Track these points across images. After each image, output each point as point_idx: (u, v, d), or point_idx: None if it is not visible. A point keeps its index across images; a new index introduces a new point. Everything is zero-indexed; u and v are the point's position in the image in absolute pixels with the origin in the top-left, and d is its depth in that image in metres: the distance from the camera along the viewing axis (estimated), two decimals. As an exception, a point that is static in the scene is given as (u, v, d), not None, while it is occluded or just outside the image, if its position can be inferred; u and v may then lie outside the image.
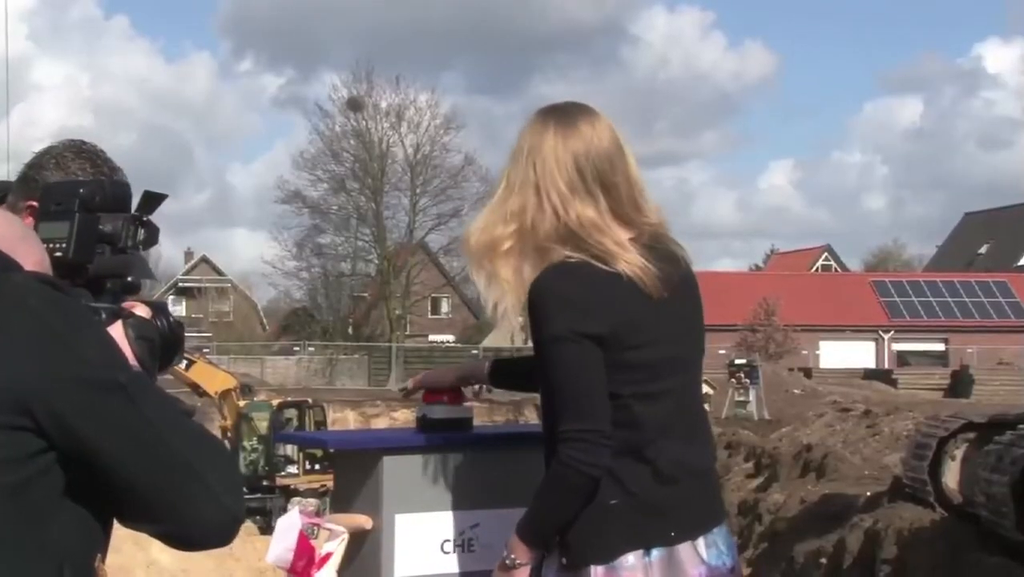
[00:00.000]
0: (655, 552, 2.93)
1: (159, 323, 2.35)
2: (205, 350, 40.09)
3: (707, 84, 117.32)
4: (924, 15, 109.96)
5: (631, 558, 2.91)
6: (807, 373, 41.19)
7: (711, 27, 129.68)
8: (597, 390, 2.90)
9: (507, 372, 3.60)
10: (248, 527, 17.35)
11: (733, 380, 28.57)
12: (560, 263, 2.94)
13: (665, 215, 3.15)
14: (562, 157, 3.01)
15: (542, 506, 2.97)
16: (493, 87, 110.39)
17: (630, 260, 2.93)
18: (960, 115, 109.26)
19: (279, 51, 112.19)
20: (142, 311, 2.31)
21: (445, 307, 70.90)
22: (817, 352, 52.74)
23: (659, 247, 3.04)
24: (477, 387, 3.65)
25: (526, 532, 2.97)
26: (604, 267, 2.92)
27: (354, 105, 59.86)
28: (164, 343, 2.40)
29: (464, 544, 3.40)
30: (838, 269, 70.80)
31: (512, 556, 2.98)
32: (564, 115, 3.09)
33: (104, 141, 2.73)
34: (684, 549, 2.95)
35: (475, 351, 54.65)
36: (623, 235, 2.99)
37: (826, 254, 72.43)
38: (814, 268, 69.45)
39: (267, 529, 17.53)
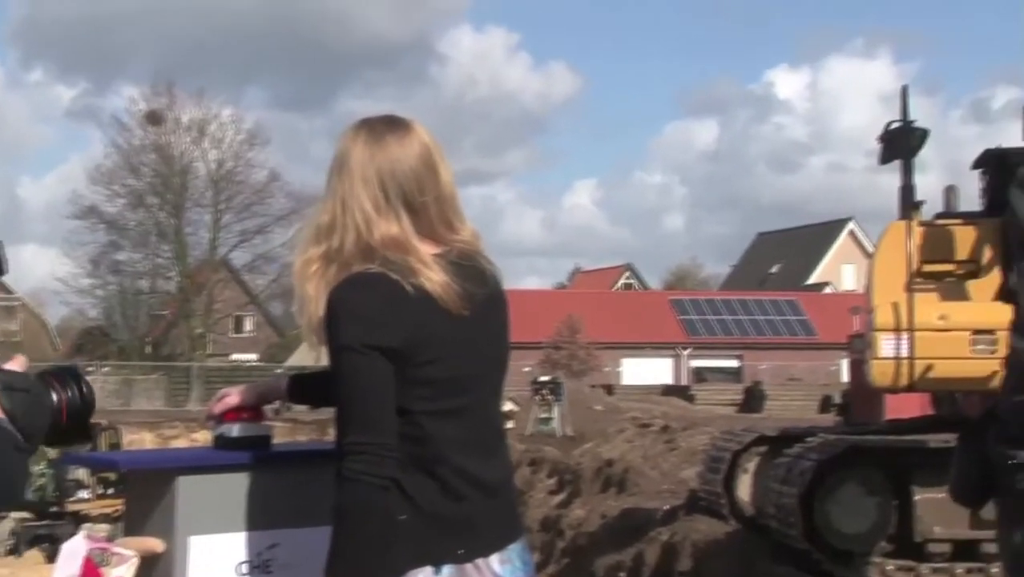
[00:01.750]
0: (445, 569, 2.90)
1: (68, 391, 2.34)
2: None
3: (514, 103, 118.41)
4: (720, 41, 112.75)
5: (419, 576, 2.88)
6: (609, 390, 41.60)
7: (517, 47, 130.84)
8: (383, 403, 2.86)
9: (305, 388, 3.49)
10: (34, 555, 16.82)
11: (537, 397, 28.69)
12: (356, 274, 2.90)
13: (478, 233, 3.13)
14: (367, 173, 2.98)
15: (339, 531, 2.90)
16: (299, 102, 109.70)
17: (431, 276, 2.90)
18: (753, 138, 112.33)
19: (72, 61, 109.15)
20: (16, 364, 2.26)
21: (249, 325, 69.89)
22: (619, 369, 53.45)
23: (467, 264, 3.01)
24: (277, 405, 3.58)
25: (336, 567, 2.89)
26: (401, 281, 2.88)
27: (153, 119, 58.76)
28: (72, 410, 2.38)
29: (262, 565, 3.32)
30: (639, 287, 71.86)
31: None
32: (374, 129, 3.05)
33: None
34: (476, 566, 2.93)
35: (279, 370, 54.08)
36: (428, 252, 2.96)
37: (628, 273, 73.53)
38: (616, 286, 70.42)
39: (55, 557, 17.00)
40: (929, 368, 9.59)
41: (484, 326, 3.03)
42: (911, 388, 10.04)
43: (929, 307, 9.52)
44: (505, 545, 2.99)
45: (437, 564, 2.89)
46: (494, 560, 2.95)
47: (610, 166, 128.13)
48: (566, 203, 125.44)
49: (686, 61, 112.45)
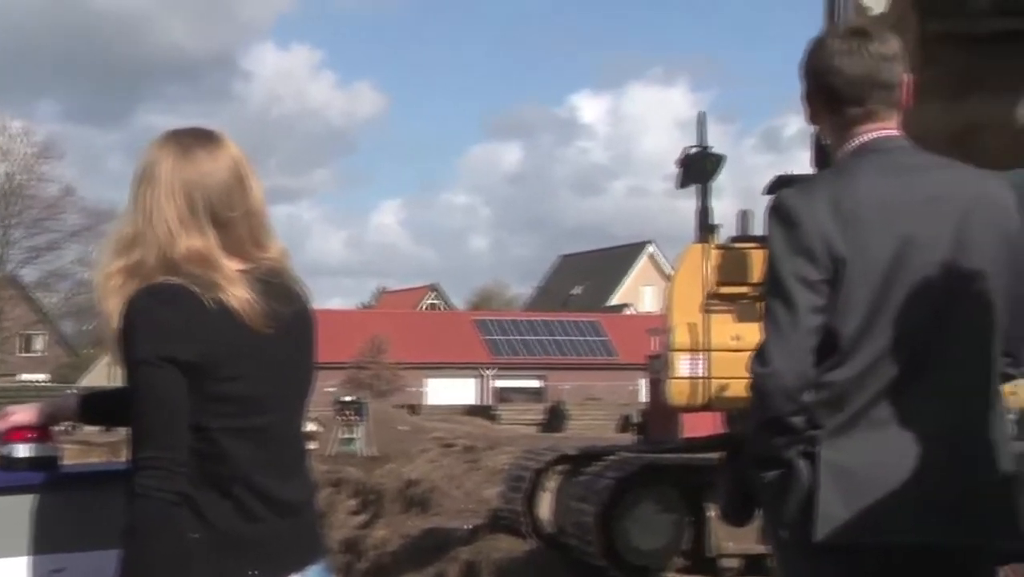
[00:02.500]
0: None
1: None
2: None
3: (319, 121, 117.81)
4: (525, 64, 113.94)
5: None
6: (413, 410, 41.59)
7: (321, 65, 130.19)
8: (175, 418, 2.79)
9: (97, 407, 3.37)
10: None
11: (340, 417, 28.58)
12: (154, 284, 2.82)
13: (286, 251, 3.08)
14: (174, 186, 2.91)
15: (130, 549, 2.80)
16: (95, 116, 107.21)
17: (234, 292, 2.84)
18: (557, 161, 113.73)
19: None
20: None
21: (39, 344, 67.77)
22: (423, 389, 53.42)
23: (274, 282, 2.96)
24: (67, 425, 3.45)
25: None
26: (202, 294, 2.81)
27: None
28: None
29: (48, 588, 3.24)
30: (444, 308, 72.00)
31: None
32: (183, 142, 2.98)
33: None
34: None
35: (71, 390, 52.72)
36: (234, 268, 2.91)
37: (433, 293, 73.58)
38: (421, 307, 70.40)
39: None
40: (724, 387, 9.80)
41: (288, 345, 2.98)
42: (707, 407, 10.25)
43: (724, 328, 9.73)
44: (304, 567, 2.96)
45: None
46: None
47: (416, 186, 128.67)
48: (372, 223, 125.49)
49: (491, 84, 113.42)
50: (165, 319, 2.82)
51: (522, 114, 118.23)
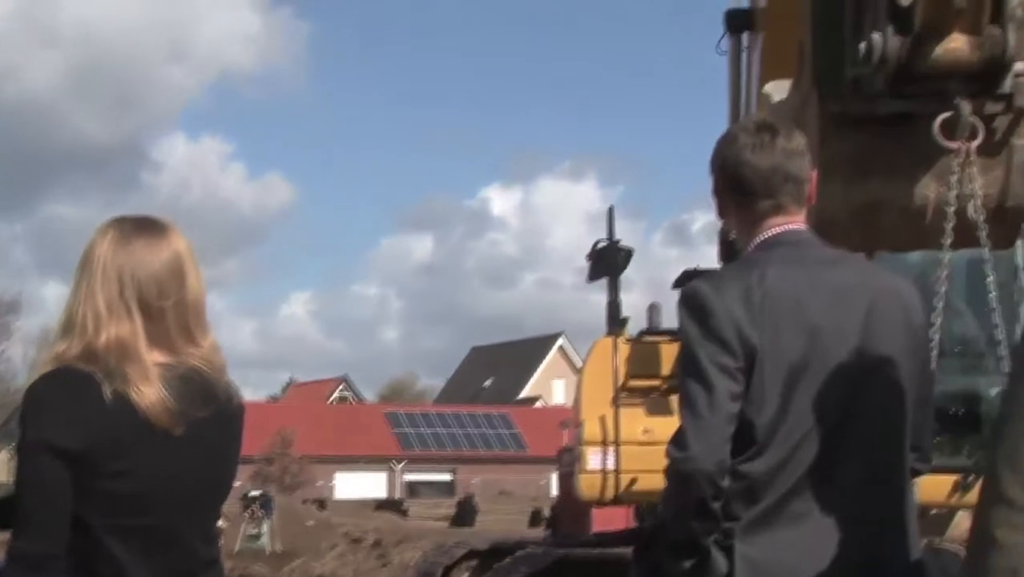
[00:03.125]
0: None
1: None
2: None
3: (228, 213, 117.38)
4: (436, 157, 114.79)
5: None
6: (322, 504, 41.20)
7: (232, 157, 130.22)
8: (52, 509, 2.73)
9: None
10: None
11: (246, 513, 28.31)
12: (60, 368, 2.79)
13: (218, 346, 3.04)
14: (108, 272, 2.87)
15: None
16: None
17: (141, 388, 2.79)
18: (468, 253, 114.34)
19: None
20: None
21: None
22: (332, 483, 53.00)
23: (196, 380, 2.90)
24: None
25: None
26: (104, 385, 2.76)
27: None
28: None
29: None
30: (354, 400, 71.65)
31: None
32: (124, 229, 2.94)
33: None
34: None
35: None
36: (157, 360, 2.86)
37: (343, 385, 73.23)
38: (331, 399, 70.01)
39: None
40: (634, 481, 9.80)
41: (198, 447, 2.91)
42: (617, 501, 10.23)
43: (634, 421, 9.74)
44: None
45: None
46: None
47: (326, 278, 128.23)
48: (281, 314, 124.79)
49: (403, 176, 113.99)
50: (58, 405, 2.77)
51: (433, 206, 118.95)
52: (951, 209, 5.14)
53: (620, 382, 10.11)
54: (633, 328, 10.70)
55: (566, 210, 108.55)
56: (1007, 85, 5.30)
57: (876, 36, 5.25)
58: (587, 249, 10.71)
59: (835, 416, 3.15)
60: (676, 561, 3.24)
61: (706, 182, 3.49)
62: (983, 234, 5.22)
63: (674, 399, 9.67)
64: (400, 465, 56.25)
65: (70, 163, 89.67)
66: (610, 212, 10.89)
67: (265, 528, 27.95)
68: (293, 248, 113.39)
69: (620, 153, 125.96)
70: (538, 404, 63.07)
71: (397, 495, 51.77)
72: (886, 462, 3.24)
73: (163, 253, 2.94)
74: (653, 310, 10.83)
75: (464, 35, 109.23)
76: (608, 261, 10.51)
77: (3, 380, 60.53)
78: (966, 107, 5.14)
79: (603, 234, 10.83)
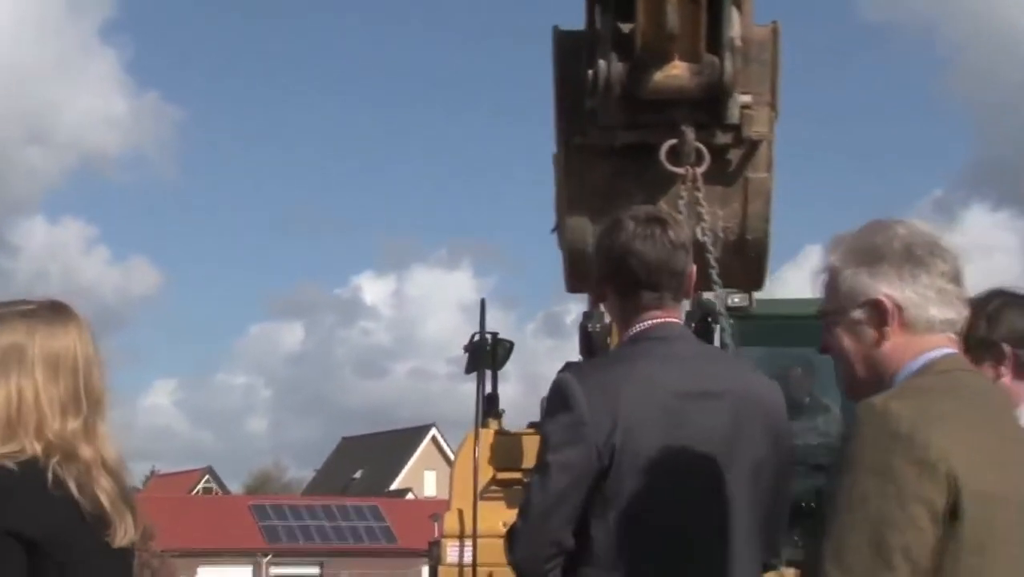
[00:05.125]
0: None
1: None
2: None
3: (90, 297, 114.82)
4: (307, 244, 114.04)
5: None
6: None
7: (95, 241, 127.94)
8: None
9: None
10: None
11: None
12: (3, 463, 2.78)
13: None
14: (47, 367, 2.87)
15: None
16: None
17: (101, 484, 2.86)
18: (339, 342, 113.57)
19: None
20: None
21: None
22: (194, 581, 52.03)
23: (110, 465, 2.97)
24: None
25: None
26: (53, 485, 2.77)
27: None
28: None
29: None
30: (219, 491, 70.45)
31: None
32: (40, 317, 2.96)
33: None
34: None
35: None
36: (91, 450, 2.90)
37: (208, 476, 71.96)
38: (195, 490, 68.75)
39: None
40: (490, 575, 9.87)
41: (113, 533, 2.96)
42: None
43: (495, 514, 9.75)
44: None
45: None
46: None
47: (191, 366, 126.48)
48: (144, 403, 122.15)
49: (272, 263, 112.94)
50: (15, 493, 2.77)
51: (304, 294, 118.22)
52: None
53: (491, 475, 10.18)
54: (508, 420, 10.76)
55: (440, 299, 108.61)
56: (732, 115, 5.51)
57: (602, 63, 5.44)
58: (461, 339, 10.73)
59: (692, 518, 3.18)
60: None
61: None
62: (712, 257, 5.39)
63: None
64: (266, 559, 55.35)
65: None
66: (482, 304, 10.90)
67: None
68: (157, 335, 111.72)
69: (495, 239, 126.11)
70: (409, 496, 62.60)
71: (263, 588, 51.02)
72: (741, 564, 3.25)
73: (88, 336, 3.01)
74: (543, 403, 10.86)
75: (340, 122, 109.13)
76: (488, 354, 10.56)
77: None
78: (690, 133, 5.33)
79: (476, 325, 10.91)
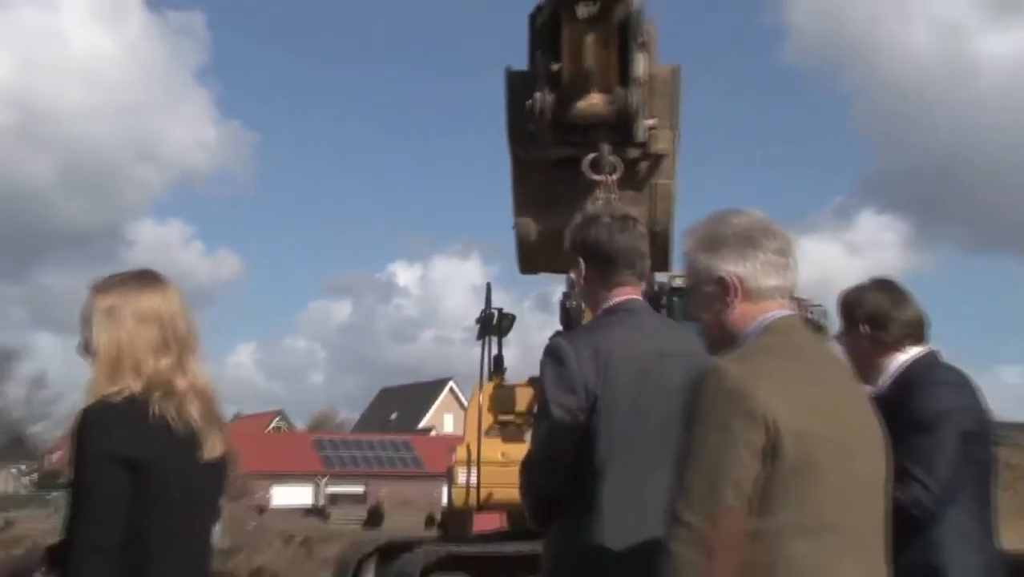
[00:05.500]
0: None
1: None
2: None
3: (188, 281, 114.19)
4: (354, 237, 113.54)
5: None
6: (261, 510, 40.32)
7: (192, 237, 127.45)
8: (117, 512, 2.67)
9: (59, 553, 2.97)
10: None
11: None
12: (105, 401, 2.74)
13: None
14: (144, 318, 2.82)
15: None
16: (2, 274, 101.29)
17: (178, 411, 2.79)
18: (378, 315, 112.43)
19: None
20: None
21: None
22: (269, 495, 51.86)
23: (204, 401, 2.90)
24: (40, 572, 3.02)
25: None
26: (142, 413, 2.73)
27: None
28: None
29: None
30: (287, 429, 70.27)
31: None
32: (141, 281, 2.92)
33: None
34: None
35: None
36: (182, 385, 2.84)
37: (279, 417, 71.72)
38: (269, 428, 68.50)
39: None
40: (491, 494, 9.89)
41: (204, 456, 2.90)
42: (481, 509, 10.30)
43: (495, 448, 9.77)
44: None
45: None
46: None
47: (265, 333, 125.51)
48: (230, 361, 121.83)
49: (326, 253, 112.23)
50: (117, 423, 2.72)
51: (351, 278, 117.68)
52: None
53: (492, 418, 10.20)
54: (510, 376, 10.74)
55: (455, 282, 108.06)
56: (640, 135, 5.47)
57: (538, 95, 5.40)
58: (473, 313, 10.74)
59: (651, 445, 3.13)
60: (539, 513, 3.32)
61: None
62: None
63: (527, 429, 9.81)
64: (324, 480, 55.34)
65: (58, 240, 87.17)
66: (488, 287, 10.88)
67: (216, 528, 27.44)
68: (240, 309, 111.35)
69: (496, 238, 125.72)
70: (432, 433, 62.54)
71: (321, 504, 50.95)
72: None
73: (174, 296, 2.94)
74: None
75: (378, 145, 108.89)
76: (495, 325, 10.55)
77: (4, 413, 58.56)
78: (607, 149, 5.28)
79: (484, 303, 10.89)
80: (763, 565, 2.31)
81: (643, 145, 5.44)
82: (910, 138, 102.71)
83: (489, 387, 10.37)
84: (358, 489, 54.74)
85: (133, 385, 2.78)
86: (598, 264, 3.33)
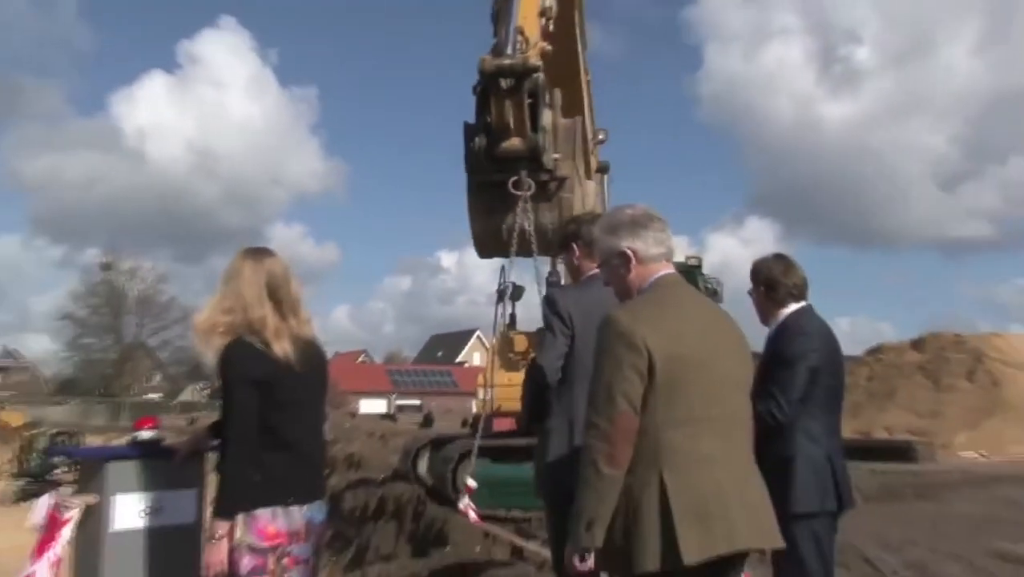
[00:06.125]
0: (280, 509, 2.70)
1: None
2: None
3: (303, 265, 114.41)
4: (412, 235, 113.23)
5: (263, 512, 2.68)
6: (352, 416, 40.50)
7: (306, 235, 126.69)
8: (253, 414, 2.66)
9: (215, 429, 2.95)
10: (27, 505, 15.06)
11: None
12: (236, 340, 2.71)
13: (311, 319, 2.90)
14: (252, 279, 2.77)
15: (221, 486, 2.63)
16: (185, 258, 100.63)
17: (282, 345, 2.73)
18: (429, 286, 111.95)
19: (60, 234, 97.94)
20: None
21: (156, 379, 63.77)
22: (357, 405, 52.02)
23: (303, 338, 2.83)
24: (210, 446, 3.07)
25: (220, 503, 2.62)
26: (263, 347, 2.71)
27: (105, 266, 55.34)
28: None
29: (155, 510, 3.06)
30: (369, 362, 70.31)
31: (218, 533, 2.62)
32: (255, 253, 2.85)
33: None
34: (297, 509, 2.75)
35: (176, 402, 50.63)
36: (283, 328, 2.76)
37: (364, 354, 71.59)
38: (357, 361, 68.48)
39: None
40: (500, 406, 9.90)
41: (311, 376, 2.85)
42: (493, 416, 10.30)
43: (503, 376, 9.77)
44: (315, 499, 2.83)
45: (273, 505, 2.71)
46: (308, 507, 2.79)
47: (355, 299, 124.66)
48: (331, 317, 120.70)
49: (396, 243, 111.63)
50: (245, 357, 2.68)
51: (411, 260, 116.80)
52: (521, 227, 5.09)
53: (507, 355, 10.15)
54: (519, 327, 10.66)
55: (483, 264, 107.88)
56: (548, 163, 5.37)
57: (477, 139, 5.31)
58: (493, 286, 10.74)
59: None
60: (529, 418, 3.26)
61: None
62: (533, 243, 5.21)
63: (523, 365, 9.73)
64: (393, 396, 55.61)
65: (222, 238, 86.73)
66: (503, 268, 10.87)
67: (325, 426, 27.34)
68: (338, 283, 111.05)
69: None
70: (466, 365, 62.71)
71: (391, 412, 51.16)
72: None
73: (278, 267, 2.85)
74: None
75: (435, 168, 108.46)
76: (508, 294, 10.51)
77: (189, 349, 58.65)
78: (523, 174, 5.21)
79: (501, 278, 10.86)
80: (648, 450, 2.29)
81: (551, 171, 5.33)
82: (779, 170, 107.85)
83: (504, 335, 10.33)
84: (416, 402, 54.95)
85: (248, 328, 2.72)
86: (583, 247, 3.30)
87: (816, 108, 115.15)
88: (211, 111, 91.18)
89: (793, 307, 3.41)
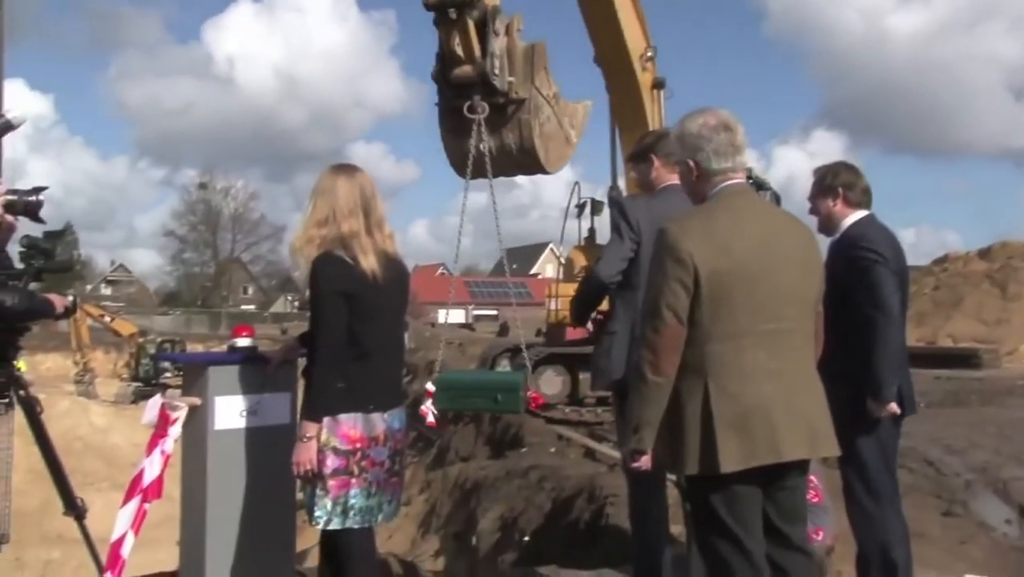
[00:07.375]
0: (360, 415, 2.76)
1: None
2: (121, 311, 36.42)
3: (384, 183, 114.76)
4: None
5: (346, 417, 2.74)
6: (432, 325, 41.31)
7: (387, 153, 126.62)
8: (341, 325, 2.68)
9: (305, 340, 2.96)
10: (141, 405, 16.13)
11: (397, 328, 28.53)
12: (326, 253, 2.72)
13: (393, 234, 2.89)
14: (345, 193, 2.76)
15: (307, 390, 2.71)
16: (275, 177, 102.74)
17: (369, 260, 2.73)
18: (504, 202, 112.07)
19: (162, 156, 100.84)
20: None
21: (250, 291, 66.62)
22: (437, 315, 53.02)
23: (387, 253, 2.83)
24: (300, 354, 3.13)
25: (308, 407, 2.70)
26: (351, 261, 2.71)
27: (202, 186, 57.15)
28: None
29: (252, 412, 3.19)
30: (448, 274, 71.21)
31: (307, 434, 2.70)
32: (346, 169, 2.84)
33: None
34: (379, 416, 2.80)
35: (268, 312, 52.59)
36: (370, 242, 2.77)
37: (442, 267, 72.21)
38: (437, 274, 69.44)
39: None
40: (565, 317, 9.97)
41: (393, 288, 2.83)
42: (561, 325, 10.43)
43: (569, 288, 9.76)
44: (394, 407, 2.87)
45: (356, 411, 2.76)
46: (387, 414, 2.83)
47: (434, 214, 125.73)
48: (410, 232, 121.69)
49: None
50: (335, 270, 2.69)
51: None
52: (477, 149, 4.99)
53: (574, 270, 10.26)
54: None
55: (552, 179, 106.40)
56: (502, 86, 5.17)
57: (435, 67, 5.11)
58: (563, 202, 10.75)
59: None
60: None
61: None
62: (488, 163, 5.04)
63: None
64: (471, 307, 56.48)
65: (307, 158, 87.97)
66: (576, 184, 10.89)
67: (407, 335, 28.02)
68: (418, 198, 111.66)
69: (582, 146, 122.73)
70: (539, 276, 62.91)
71: (470, 321, 52.03)
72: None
73: (367, 182, 2.83)
74: (593, 232, 10.71)
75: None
76: (591, 208, 10.53)
77: (281, 263, 60.26)
78: (476, 98, 5.04)
79: (574, 195, 10.84)
80: (695, 361, 2.30)
81: (505, 94, 5.19)
82: (847, 82, 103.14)
83: (576, 250, 10.37)
84: (493, 312, 55.70)
85: (339, 241, 2.73)
86: (661, 157, 3.27)
87: (886, 19, 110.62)
88: (295, 37, 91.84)
89: (860, 214, 3.30)
